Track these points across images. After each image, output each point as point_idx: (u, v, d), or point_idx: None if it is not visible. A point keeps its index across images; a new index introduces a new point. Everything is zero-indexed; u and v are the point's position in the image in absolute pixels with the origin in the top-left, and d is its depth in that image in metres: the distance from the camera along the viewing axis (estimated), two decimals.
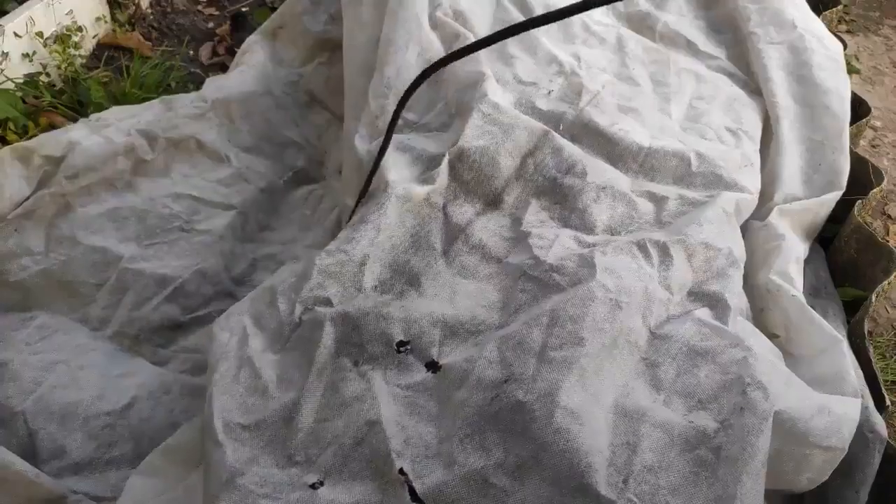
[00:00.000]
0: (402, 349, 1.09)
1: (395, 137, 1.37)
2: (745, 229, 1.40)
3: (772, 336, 1.25)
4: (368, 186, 1.30)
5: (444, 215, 1.25)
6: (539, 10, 1.69)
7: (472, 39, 1.52)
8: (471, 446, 0.96)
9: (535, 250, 1.18)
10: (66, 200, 1.54)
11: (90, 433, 1.25)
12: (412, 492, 0.94)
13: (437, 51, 1.53)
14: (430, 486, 0.94)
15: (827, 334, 1.21)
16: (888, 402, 1.21)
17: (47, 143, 1.56)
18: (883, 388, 1.23)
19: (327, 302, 1.13)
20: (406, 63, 1.50)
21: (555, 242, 1.20)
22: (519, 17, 1.64)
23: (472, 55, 1.47)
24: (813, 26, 1.82)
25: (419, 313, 1.11)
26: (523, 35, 1.60)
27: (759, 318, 1.30)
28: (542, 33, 1.63)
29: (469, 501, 0.93)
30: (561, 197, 1.29)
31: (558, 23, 1.68)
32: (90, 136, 1.59)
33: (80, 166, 1.55)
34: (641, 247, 1.18)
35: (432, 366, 1.07)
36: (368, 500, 0.96)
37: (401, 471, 0.96)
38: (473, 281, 1.18)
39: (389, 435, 0.99)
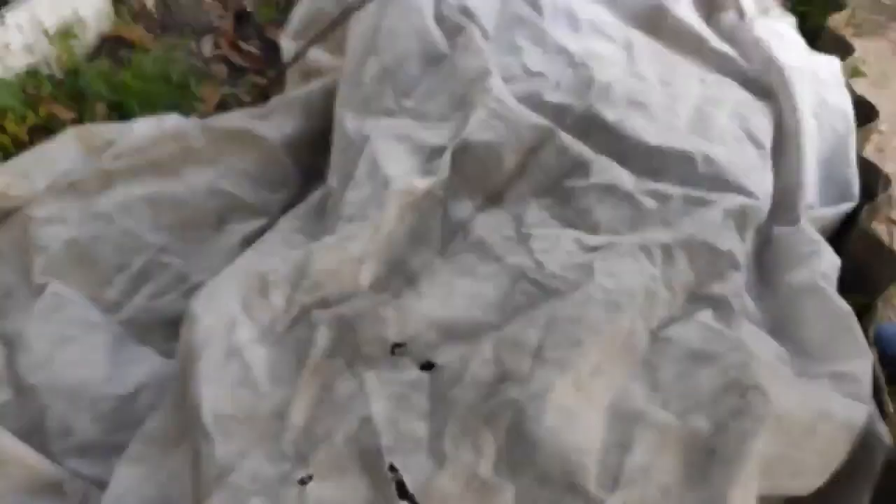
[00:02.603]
0: (396, 351, 1.08)
1: (391, 124, 1.36)
2: (768, 235, 1.39)
3: (791, 339, 1.23)
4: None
5: (444, 209, 1.25)
6: (549, 9, 1.68)
7: (478, 35, 1.51)
8: (462, 443, 0.96)
9: (536, 254, 1.18)
10: (111, 178, 1.54)
11: (97, 415, 1.23)
12: (401, 487, 0.94)
13: (440, 44, 1.52)
14: (420, 482, 0.94)
15: (860, 345, 1.18)
16: (891, 409, 1.20)
17: (113, 127, 1.61)
18: (885, 395, 1.22)
19: (324, 303, 1.13)
20: (406, 53, 1.49)
21: (556, 246, 1.19)
22: (529, 12, 1.63)
23: (478, 49, 1.45)
24: (806, 47, 1.84)
25: (415, 315, 1.11)
26: (531, 27, 1.59)
27: (777, 319, 1.29)
28: (549, 28, 1.62)
29: (458, 498, 0.93)
30: (564, 196, 1.28)
31: (567, 21, 1.68)
32: (146, 120, 1.62)
33: (126, 146, 1.55)
34: (644, 248, 1.18)
35: (427, 366, 1.07)
36: (358, 496, 0.95)
37: (391, 466, 0.95)
38: (471, 279, 1.18)
39: (381, 431, 0.98)
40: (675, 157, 1.37)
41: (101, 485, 1.15)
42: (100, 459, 1.19)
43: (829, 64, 1.79)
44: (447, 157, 1.25)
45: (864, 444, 1.10)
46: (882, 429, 1.14)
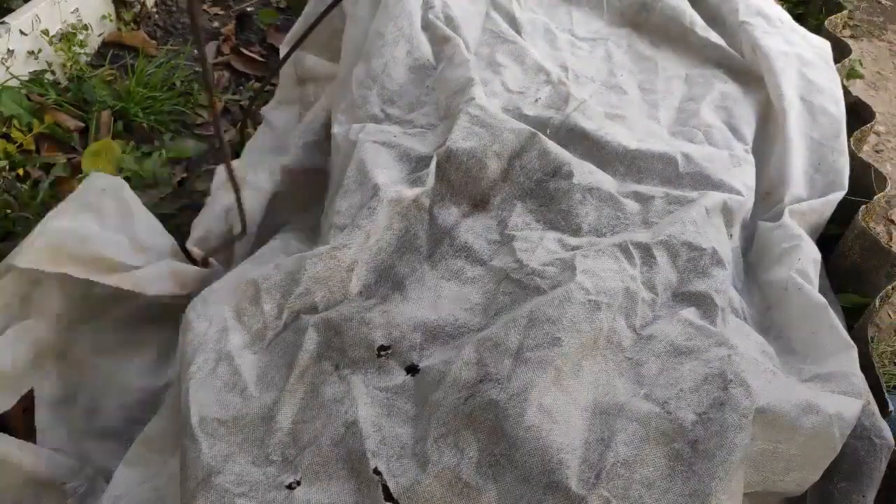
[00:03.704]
0: (382, 354, 1.10)
1: (379, 130, 1.36)
2: (753, 230, 1.40)
3: (777, 337, 1.25)
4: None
5: (430, 217, 1.25)
6: (528, 27, 1.70)
7: (461, 45, 1.52)
8: (444, 445, 0.97)
9: (518, 253, 1.19)
10: None
11: (123, 403, 1.25)
12: (385, 490, 0.95)
13: (426, 51, 1.53)
14: (404, 486, 0.95)
15: (841, 339, 1.20)
16: (891, 408, 1.21)
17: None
18: (886, 394, 1.23)
19: (313, 308, 1.14)
20: (394, 58, 1.50)
21: (538, 246, 1.20)
22: (507, 30, 1.65)
23: (462, 62, 1.47)
24: (795, 25, 1.83)
25: (401, 318, 1.12)
26: (511, 45, 1.62)
27: (764, 316, 1.30)
28: (529, 45, 1.63)
29: (442, 500, 0.94)
30: (547, 199, 1.29)
31: (545, 36, 1.70)
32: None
33: None
34: (623, 249, 1.19)
35: (412, 370, 1.08)
36: (343, 500, 0.96)
37: (375, 470, 0.97)
38: (457, 284, 1.19)
39: (366, 435, 0.99)
40: (655, 158, 1.39)
41: (109, 475, 1.17)
42: (117, 447, 1.20)
43: (818, 45, 1.79)
44: (433, 166, 1.26)
45: (867, 444, 1.11)
46: (885, 429, 1.16)
